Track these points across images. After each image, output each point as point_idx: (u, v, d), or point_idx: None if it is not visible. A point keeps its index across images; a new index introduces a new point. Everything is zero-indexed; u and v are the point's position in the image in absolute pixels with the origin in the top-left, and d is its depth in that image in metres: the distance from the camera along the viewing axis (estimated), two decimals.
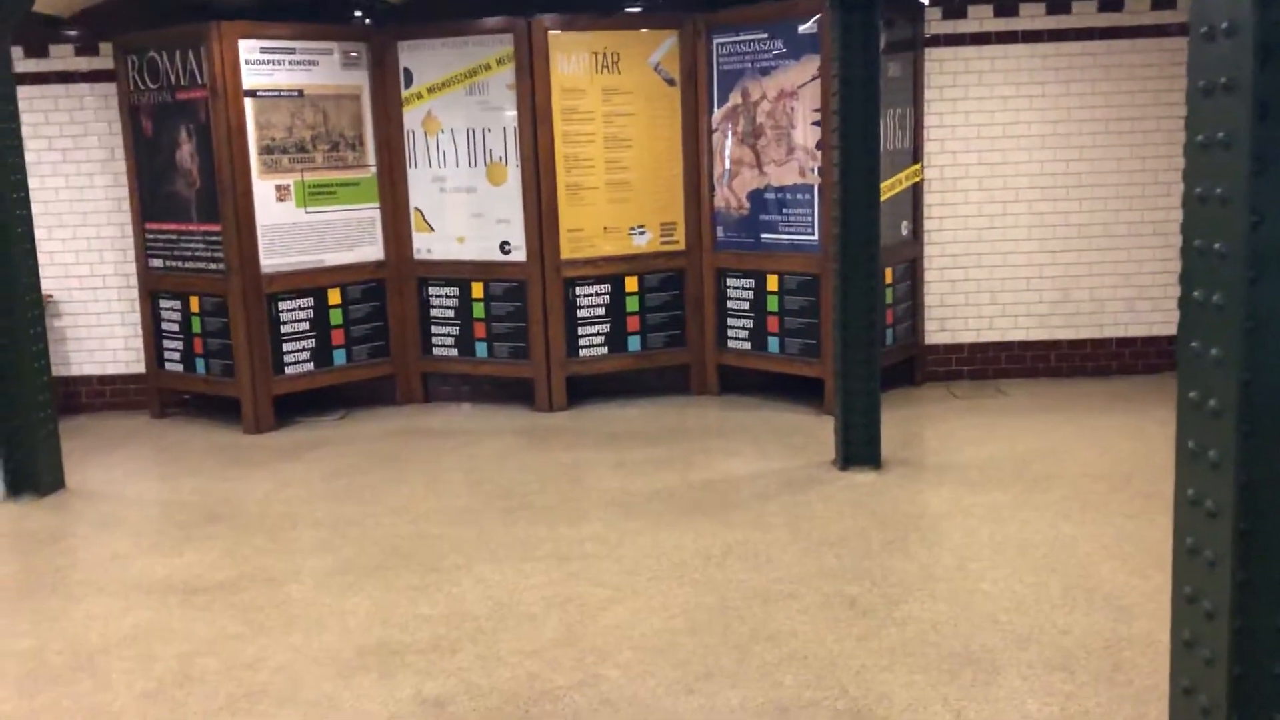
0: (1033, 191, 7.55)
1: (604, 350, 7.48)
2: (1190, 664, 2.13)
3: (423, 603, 4.40)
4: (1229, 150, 1.92)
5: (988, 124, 7.49)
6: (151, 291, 7.52)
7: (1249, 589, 2.00)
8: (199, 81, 6.91)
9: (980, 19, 7.41)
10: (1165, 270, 7.59)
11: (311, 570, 4.78)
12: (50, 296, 7.61)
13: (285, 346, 7.25)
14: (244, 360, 7.08)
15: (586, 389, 7.60)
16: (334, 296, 7.40)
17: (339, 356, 7.48)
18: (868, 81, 5.52)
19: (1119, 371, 7.76)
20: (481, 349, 7.54)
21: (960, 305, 7.69)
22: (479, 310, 7.49)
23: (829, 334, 6.59)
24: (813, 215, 6.94)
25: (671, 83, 7.31)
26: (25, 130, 6.36)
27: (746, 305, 7.35)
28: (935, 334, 7.73)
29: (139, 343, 7.71)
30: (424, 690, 3.70)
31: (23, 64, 7.34)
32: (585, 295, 7.38)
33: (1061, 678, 3.60)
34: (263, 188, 7.03)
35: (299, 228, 7.22)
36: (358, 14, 7.51)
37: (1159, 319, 7.69)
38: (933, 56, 7.43)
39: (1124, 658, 3.72)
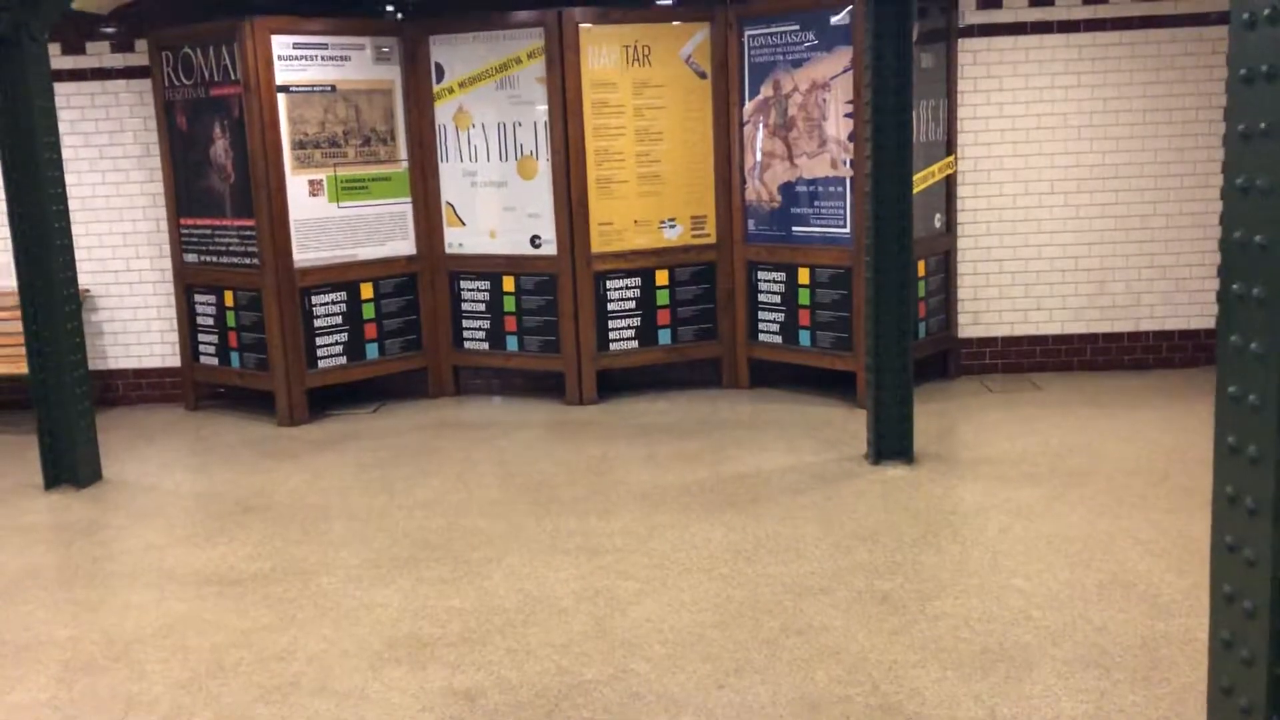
0: (1068, 183, 7.47)
1: (634, 344, 7.47)
2: (1229, 664, 2.09)
3: (453, 595, 4.42)
4: (1271, 140, 1.88)
5: (1022, 115, 7.41)
6: (187, 286, 7.60)
7: None
8: (232, 77, 6.96)
9: (1015, 9, 7.33)
10: (1203, 263, 7.48)
11: (343, 562, 4.81)
12: (87, 291, 7.70)
13: (318, 340, 7.29)
14: (278, 353, 7.13)
15: (617, 382, 7.59)
16: (366, 290, 7.44)
17: (371, 350, 7.52)
18: (900, 73, 5.47)
19: (1156, 365, 7.66)
20: (512, 342, 7.55)
21: (994, 298, 7.62)
22: (510, 304, 7.51)
23: (861, 327, 6.55)
24: (845, 207, 6.89)
25: (703, 75, 7.28)
26: (62, 126, 6.43)
27: (778, 298, 7.32)
28: (969, 327, 7.66)
29: (174, 336, 7.79)
30: (454, 683, 3.71)
31: (59, 61, 7.42)
32: (616, 289, 7.37)
33: (1096, 675, 3.56)
34: (296, 182, 7.08)
35: (331, 222, 7.26)
36: (389, 9, 7.54)
37: (1196, 312, 7.58)
38: (966, 47, 7.35)
39: (1161, 655, 3.67)
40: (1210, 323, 7.54)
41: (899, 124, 5.50)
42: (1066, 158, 7.44)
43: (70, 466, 5.98)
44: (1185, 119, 7.35)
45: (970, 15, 7.33)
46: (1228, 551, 2.07)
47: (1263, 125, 1.89)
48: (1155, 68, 7.32)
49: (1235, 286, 1.98)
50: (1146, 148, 7.40)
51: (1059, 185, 7.47)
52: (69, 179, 6.66)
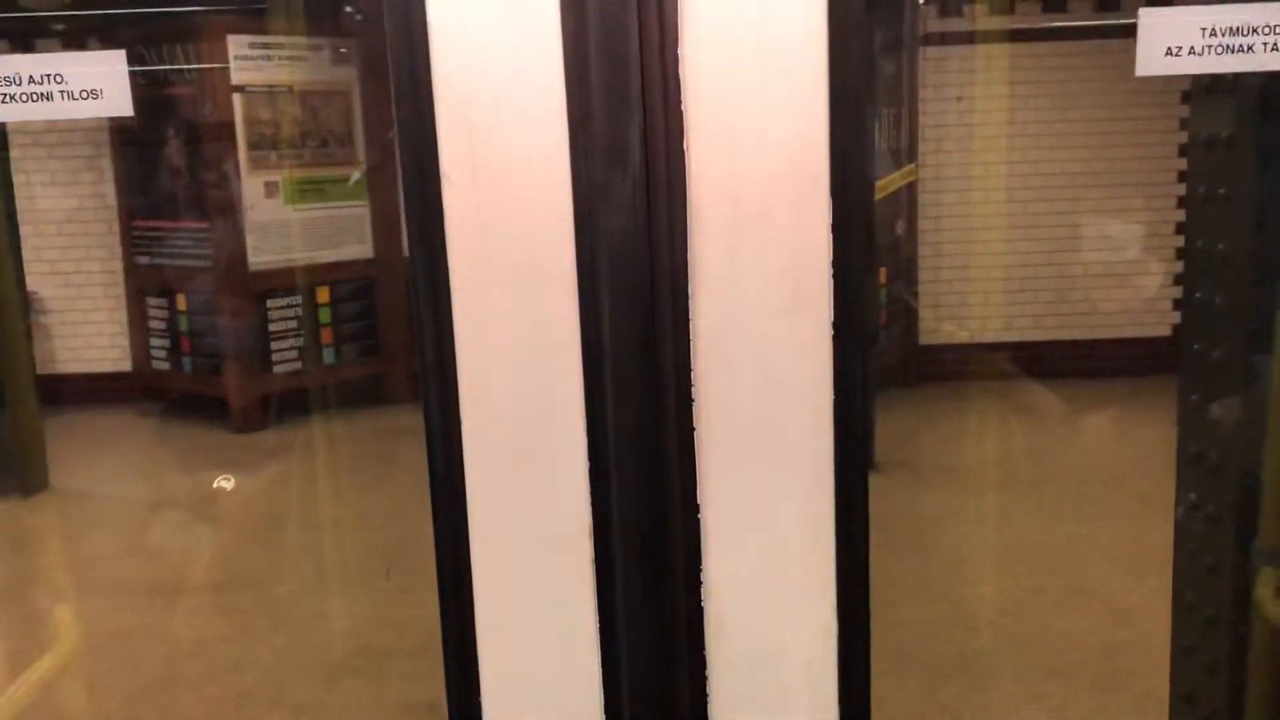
0: (1027, 191, 7.52)
1: None
2: (1191, 671, 2.09)
3: (412, 605, 4.35)
4: (1233, 148, 1.88)
5: (983, 123, 7.45)
6: (138, 289, 7.46)
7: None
8: (187, 77, 6.84)
9: (975, 17, 7.38)
10: (1163, 271, 7.56)
11: (298, 571, 4.73)
12: (35, 293, 7.53)
13: (273, 345, 7.18)
14: (231, 358, 7.02)
15: None
16: (322, 295, 7.34)
17: (328, 355, 7.42)
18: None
19: (1115, 373, 7.73)
20: None
21: (955, 305, 7.66)
22: None
23: None
24: None
25: None
26: (10, 126, 6.29)
27: None
28: (930, 334, 7.69)
29: (125, 340, 7.64)
30: (412, 696, 3.64)
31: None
32: None
33: (1058, 682, 3.57)
34: (251, 184, 6.97)
35: (287, 225, 7.16)
36: (349, 9, 7.46)
37: (1154, 320, 7.66)
38: (927, 55, 7.39)
39: (1121, 663, 3.68)
40: (1168, 330, 7.62)
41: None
42: (1025, 165, 7.49)
43: (16, 474, 5.84)
44: (1144, 128, 7.43)
45: (931, 23, 7.37)
46: (1189, 559, 2.07)
47: (1225, 134, 1.89)
48: (1114, 77, 7.39)
49: (1198, 294, 1.98)
50: (1105, 156, 7.47)
51: (1019, 193, 7.52)
52: (16, 179, 6.54)
